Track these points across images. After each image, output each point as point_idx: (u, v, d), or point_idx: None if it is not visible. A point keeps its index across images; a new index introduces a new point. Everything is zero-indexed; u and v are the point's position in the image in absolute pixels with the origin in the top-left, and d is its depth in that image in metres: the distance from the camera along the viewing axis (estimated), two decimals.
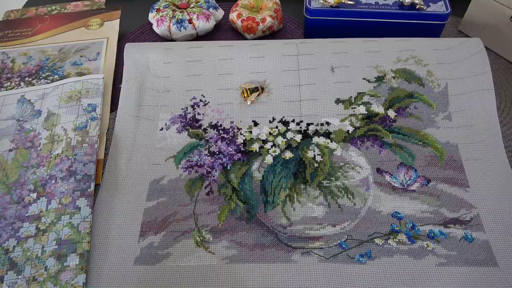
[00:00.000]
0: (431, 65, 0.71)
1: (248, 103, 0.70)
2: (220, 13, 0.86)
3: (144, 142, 0.67)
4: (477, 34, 0.78)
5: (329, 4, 0.77)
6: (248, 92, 0.70)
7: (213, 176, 0.63)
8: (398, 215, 0.59)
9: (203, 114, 0.70)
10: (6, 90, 0.75)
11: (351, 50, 0.73)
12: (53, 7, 0.92)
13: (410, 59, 0.72)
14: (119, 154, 0.66)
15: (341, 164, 0.64)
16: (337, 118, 0.68)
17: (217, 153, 0.65)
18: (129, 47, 0.76)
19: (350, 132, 0.67)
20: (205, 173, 0.64)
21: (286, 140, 0.66)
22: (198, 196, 0.62)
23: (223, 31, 0.88)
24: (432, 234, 0.58)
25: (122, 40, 0.86)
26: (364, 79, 0.71)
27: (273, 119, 0.69)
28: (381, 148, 0.65)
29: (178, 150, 0.66)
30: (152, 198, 0.62)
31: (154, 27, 0.83)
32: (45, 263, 0.56)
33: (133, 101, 0.71)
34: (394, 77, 0.70)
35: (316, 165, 0.63)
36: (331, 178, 0.62)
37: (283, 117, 0.69)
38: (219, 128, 0.68)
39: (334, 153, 0.65)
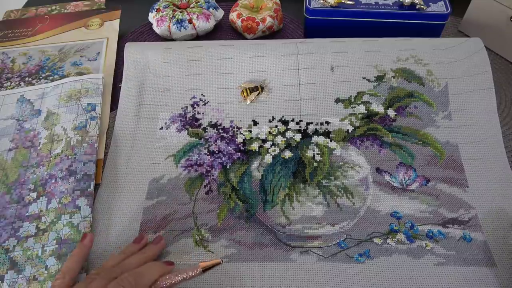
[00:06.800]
0: (431, 64, 0.71)
1: (248, 102, 0.70)
2: (220, 13, 0.86)
3: (144, 141, 0.68)
4: (477, 34, 0.78)
5: (329, 4, 0.77)
6: (248, 91, 0.71)
7: (213, 175, 0.63)
8: (397, 215, 0.59)
9: (203, 113, 0.70)
10: (6, 90, 0.75)
11: (351, 50, 0.73)
12: (53, 7, 0.93)
13: (410, 58, 0.72)
14: (119, 153, 0.66)
15: (340, 163, 0.64)
16: (336, 118, 0.68)
17: (216, 152, 0.65)
18: (129, 46, 0.76)
19: (349, 131, 0.67)
20: (204, 172, 0.64)
21: (285, 139, 0.66)
22: (197, 195, 0.62)
23: (223, 31, 0.88)
24: (431, 234, 0.58)
25: (122, 40, 0.86)
26: (364, 78, 0.71)
27: (273, 118, 0.69)
28: (381, 148, 0.65)
29: (177, 149, 0.66)
30: (152, 197, 0.62)
31: (154, 27, 0.84)
32: (46, 262, 0.56)
33: (133, 100, 0.71)
34: (394, 77, 0.71)
35: (315, 164, 0.63)
36: (331, 177, 0.62)
37: (283, 116, 0.69)
38: (218, 127, 0.68)
39: (333, 152, 0.65)
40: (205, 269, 0.50)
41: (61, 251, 0.56)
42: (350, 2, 0.77)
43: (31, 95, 0.73)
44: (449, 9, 0.75)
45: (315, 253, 0.56)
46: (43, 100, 0.72)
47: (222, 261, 0.51)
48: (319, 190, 0.61)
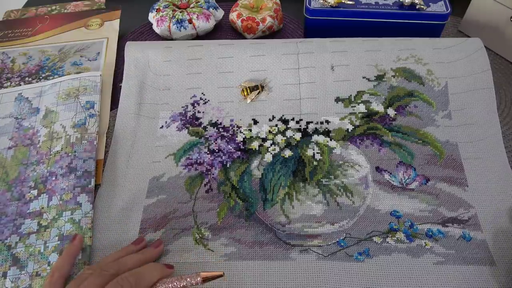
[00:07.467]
0: (431, 64, 0.71)
1: (248, 101, 0.70)
2: (220, 13, 0.86)
3: (145, 139, 0.68)
4: (477, 34, 0.78)
5: (329, 4, 0.77)
6: (248, 90, 0.71)
7: (213, 174, 0.63)
8: (397, 214, 0.59)
9: (203, 112, 0.70)
10: (5, 89, 0.75)
11: (351, 49, 0.73)
12: (53, 7, 0.93)
13: (410, 58, 0.72)
14: (119, 152, 0.66)
15: (340, 162, 0.64)
16: (336, 117, 0.68)
17: (216, 151, 0.65)
18: (129, 45, 0.76)
19: (349, 130, 0.67)
20: (204, 171, 0.64)
21: (285, 138, 0.66)
22: (197, 193, 0.62)
23: (223, 31, 0.88)
24: (431, 233, 0.58)
25: (122, 40, 0.86)
26: (364, 77, 0.71)
27: (273, 117, 0.69)
28: (381, 147, 0.65)
29: (178, 148, 0.66)
30: (152, 195, 0.62)
31: (154, 27, 0.84)
32: (48, 258, 0.56)
33: (133, 99, 0.71)
34: (394, 76, 0.71)
35: (315, 163, 0.63)
36: (330, 176, 0.62)
37: (283, 115, 0.69)
38: (219, 126, 0.68)
39: (333, 151, 0.65)
40: (206, 279, 0.50)
41: (64, 247, 0.56)
42: (350, 2, 0.77)
43: (29, 94, 0.73)
44: (449, 9, 0.76)
45: (314, 252, 0.56)
46: (41, 98, 0.72)
47: (224, 274, 0.51)
48: (318, 189, 0.61)
